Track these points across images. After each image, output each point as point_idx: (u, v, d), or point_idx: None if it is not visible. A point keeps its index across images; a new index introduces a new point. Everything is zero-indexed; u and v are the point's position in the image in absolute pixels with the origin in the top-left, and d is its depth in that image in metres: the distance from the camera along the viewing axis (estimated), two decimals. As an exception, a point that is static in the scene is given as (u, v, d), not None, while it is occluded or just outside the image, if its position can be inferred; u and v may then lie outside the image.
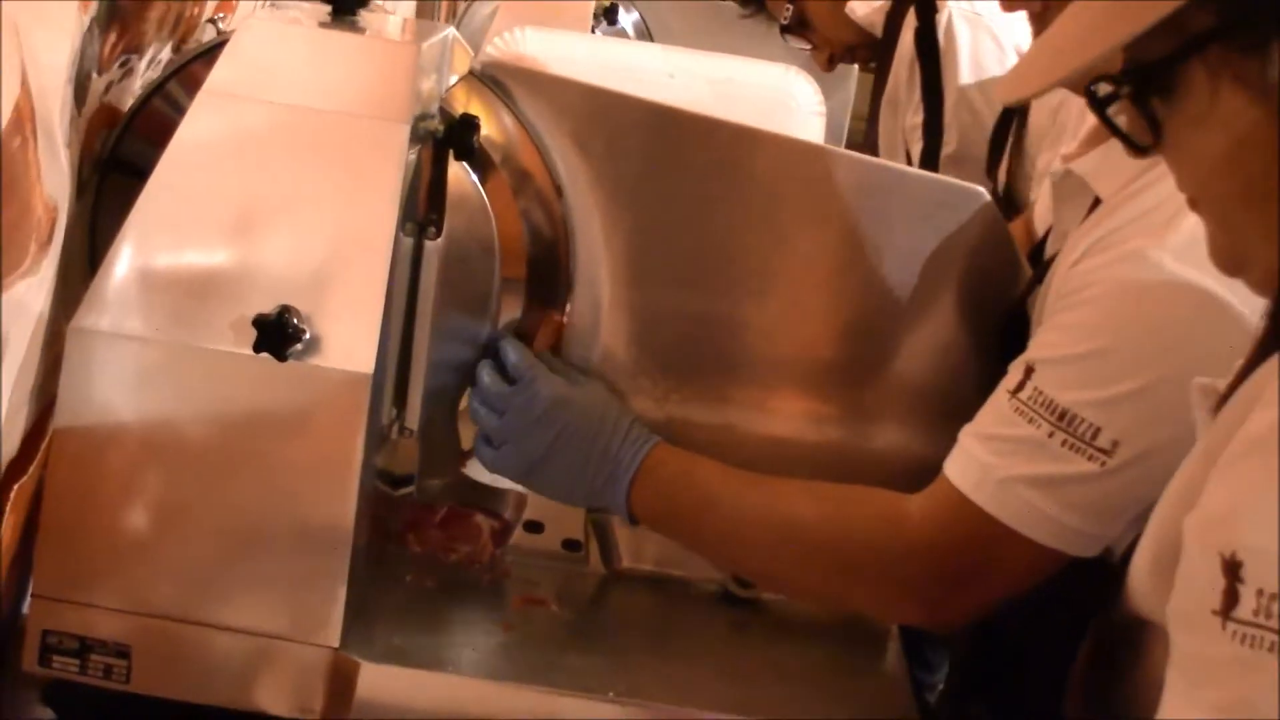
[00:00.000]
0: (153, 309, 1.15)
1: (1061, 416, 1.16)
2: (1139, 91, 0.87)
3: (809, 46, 2.72)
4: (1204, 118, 0.85)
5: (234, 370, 1.16)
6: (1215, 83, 0.84)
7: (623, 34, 3.19)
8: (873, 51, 2.66)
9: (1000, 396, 1.21)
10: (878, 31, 2.59)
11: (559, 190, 1.36)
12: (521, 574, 1.40)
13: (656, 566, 1.43)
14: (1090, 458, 1.15)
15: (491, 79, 1.35)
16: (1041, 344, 1.21)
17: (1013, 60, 2.27)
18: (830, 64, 2.70)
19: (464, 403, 1.38)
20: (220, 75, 1.19)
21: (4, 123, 0.98)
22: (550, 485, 1.35)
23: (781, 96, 2.73)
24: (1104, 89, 0.89)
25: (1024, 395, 1.18)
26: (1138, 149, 0.90)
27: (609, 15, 3.11)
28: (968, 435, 1.22)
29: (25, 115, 1.03)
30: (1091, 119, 1.18)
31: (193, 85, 1.26)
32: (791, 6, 2.63)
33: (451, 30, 1.32)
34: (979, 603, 1.24)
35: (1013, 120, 2.16)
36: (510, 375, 1.34)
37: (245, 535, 1.17)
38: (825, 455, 1.37)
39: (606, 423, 1.33)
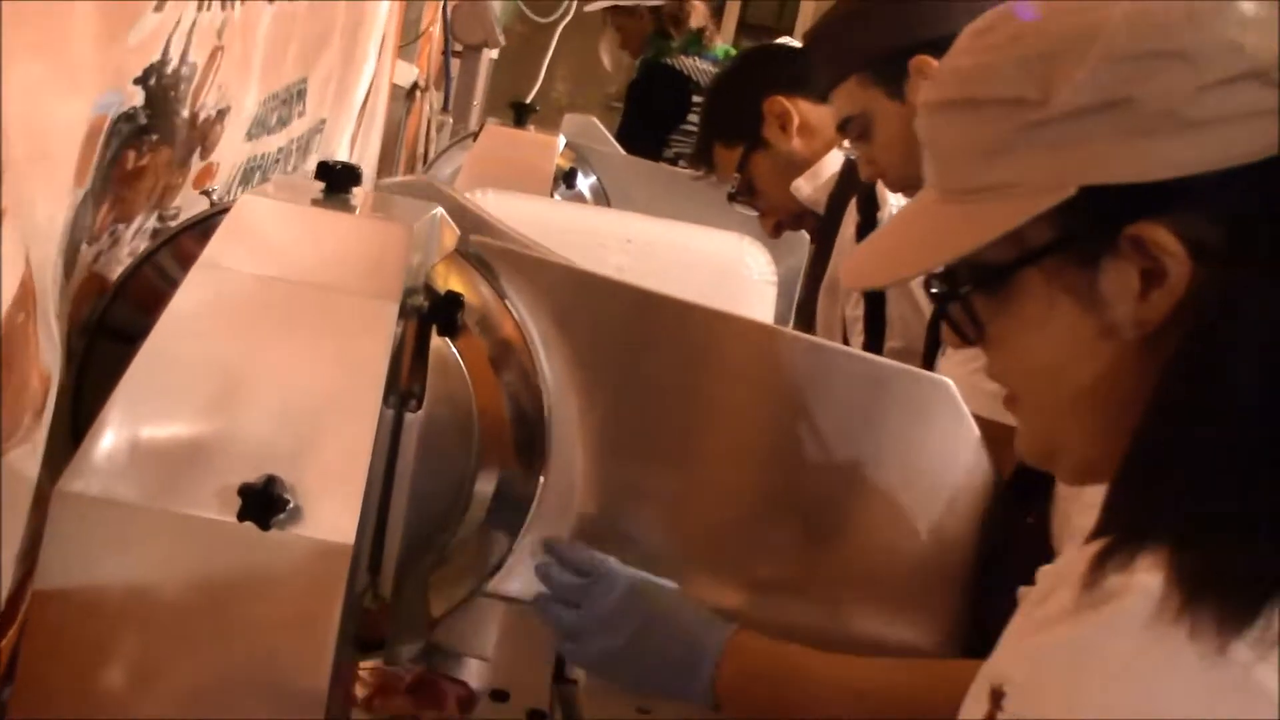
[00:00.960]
0: (140, 475, 1.17)
1: None
2: (980, 288, 0.94)
3: (755, 213, 2.76)
4: (1036, 323, 0.93)
5: (218, 537, 1.17)
6: (1050, 291, 0.91)
7: (581, 197, 3.26)
8: (818, 223, 2.71)
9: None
10: (820, 210, 2.64)
11: (537, 367, 1.40)
12: (487, 743, 1.42)
13: (621, 736, 1.45)
14: None
15: (477, 258, 1.39)
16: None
17: None
18: (777, 231, 2.74)
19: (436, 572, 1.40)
20: (216, 248, 1.22)
21: (9, 300, 1.01)
22: (633, 674, 1.36)
23: (735, 264, 2.81)
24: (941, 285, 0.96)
25: None
26: (964, 340, 0.97)
27: (568, 179, 3.18)
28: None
29: (28, 290, 1.06)
30: None
31: (181, 254, 1.29)
32: (739, 175, 2.68)
33: (439, 210, 1.37)
34: None
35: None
36: (581, 570, 1.36)
37: (220, 699, 1.18)
38: (796, 639, 1.40)
39: (686, 609, 1.36)
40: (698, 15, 4.72)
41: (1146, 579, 0.76)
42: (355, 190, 1.33)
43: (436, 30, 3.66)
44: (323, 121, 2.15)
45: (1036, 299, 0.92)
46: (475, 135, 3.16)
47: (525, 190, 2.93)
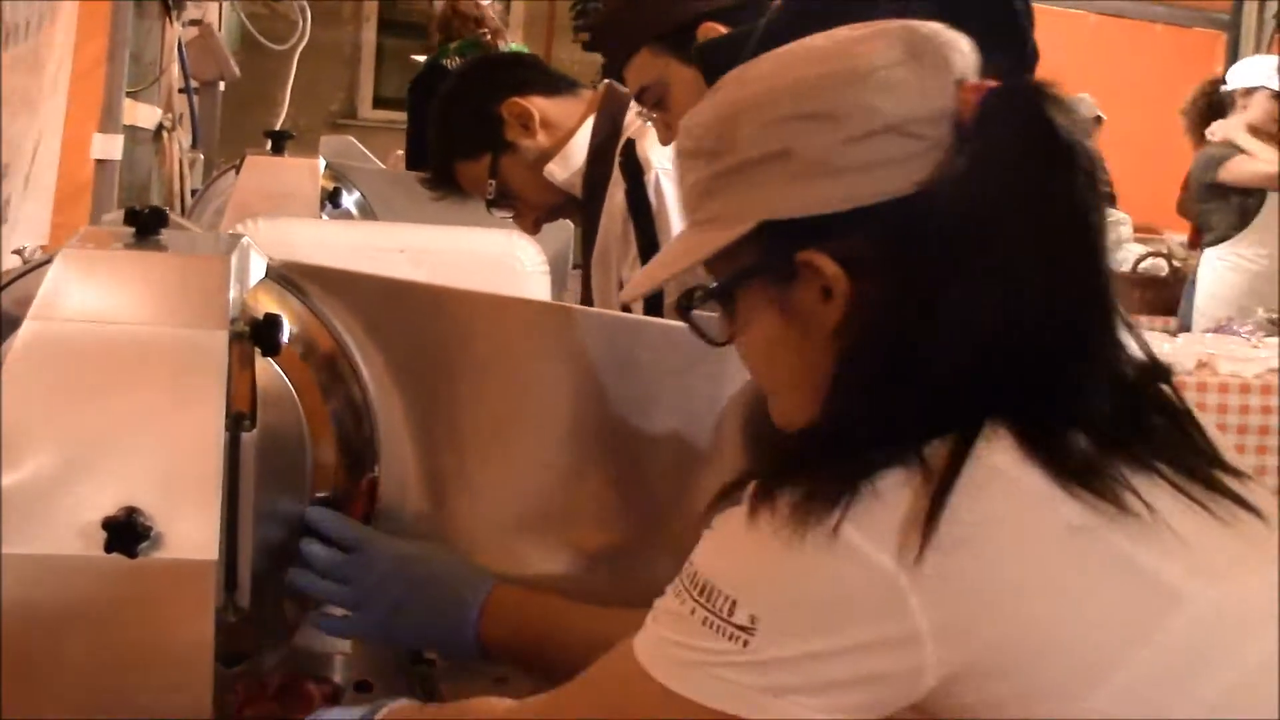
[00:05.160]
0: (2, 522, 1.23)
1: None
2: (718, 299, 1.19)
3: (512, 214, 2.80)
4: (756, 328, 1.17)
5: (87, 572, 1.24)
6: (759, 304, 1.15)
7: (348, 214, 3.32)
8: (576, 210, 2.80)
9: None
10: (577, 192, 2.73)
11: (357, 373, 1.49)
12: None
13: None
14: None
15: (285, 279, 1.47)
16: None
17: None
18: (536, 227, 2.77)
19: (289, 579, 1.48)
20: (45, 302, 1.28)
21: None
22: (405, 636, 1.47)
23: (508, 260, 2.91)
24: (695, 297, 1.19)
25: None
26: (711, 343, 1.21)
27: (333, 199, 3.22)
28: None
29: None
30: None
31: (8, 309, 1.35)
32: (494, 181, 2.71)
33: (247, 238, 1.44)
34: None
35: None
36: (340, 544, 1.45)
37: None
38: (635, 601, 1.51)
39: (449, 571, 1.46)
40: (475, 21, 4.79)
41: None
42: (164, 231, 1.40)
43: (175, 69, 3.67)
44: (27, 177, 2.14)
45: (750, 308, 1.16)
46: (236, 168, 3.19)
47: (294, 215, 2.99)
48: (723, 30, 2.12)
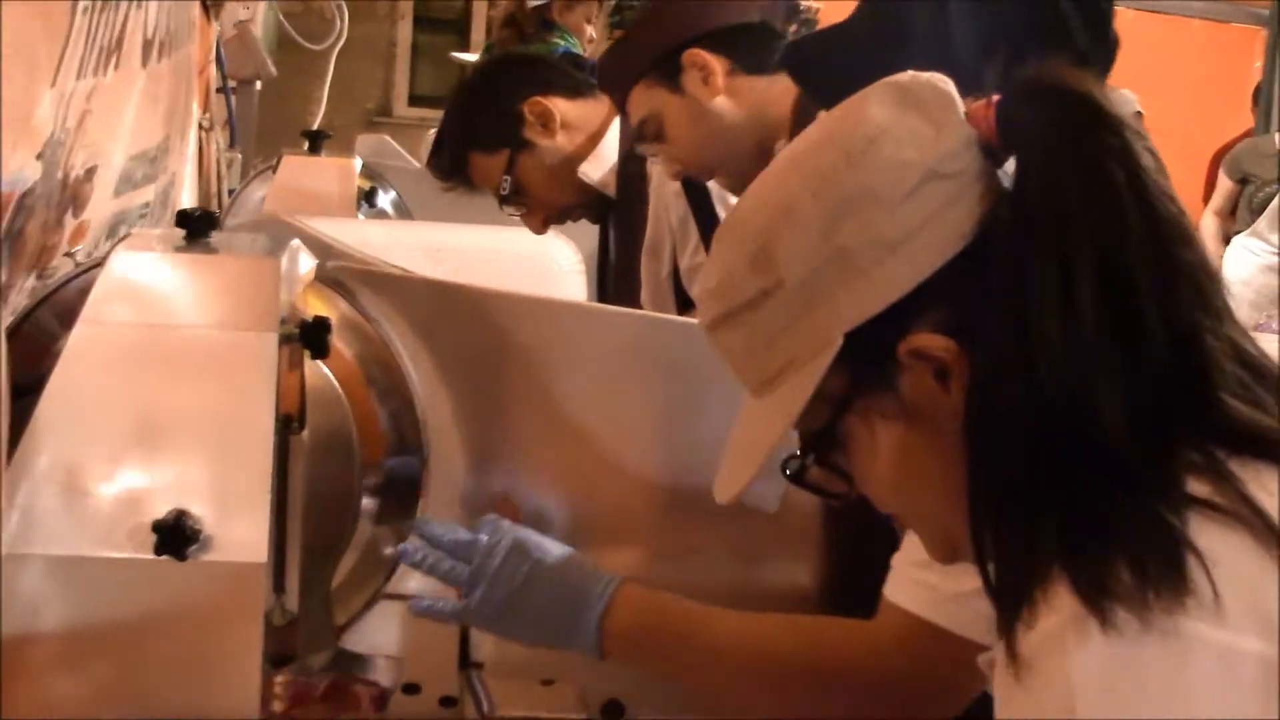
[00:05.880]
0: (55, 526, 1.23)
1: None
2: (819, 455, 1.07)
3: (520, 211, 2.76)
4: (876, 454, 1.04)
5: (138, 574, 1.24)
6: (873, 424, 1.03)
7: (384, 214, 3.32)
8: (592, 210, 2.77)
9: None
10: (611, 191, 2.72)
11: (405, 374, 1.49)
12: (403, 735, 1.51)
13: (529, 711, 1.54)
14: None
15: (335, 281, 1.47)
16: None
17: None
18: (544, 226, 2.75)
19: (337, 580, 1.48)
20: (97, 304, 1.29)
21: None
22: (522, 625, 1.42)
23: (544, 260, 2.92)
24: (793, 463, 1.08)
25: None
26: (835, 497, 1.09)
27: (369, 198, 3.24)
28: (905, 565, 1.35)
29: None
30: None
31: (62, 310, 1.35)
32: (509, 177, 2.68)
33: (296, 241, 1.44)
34: (953, 707, 1.34)
35: None
36: (463, 536, 1.43)
37: (157, 729, 1.25)
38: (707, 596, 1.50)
39: (573, 560, 1.42)
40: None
41: (1063, 607, 0.88)
42: (213, 234, 1.40)
43: (213, 69, 3.67)
44: (174, 174, 2.20)
45: (866, 436, 1.04)
46: (274, 168, 3.20)
47: (330, 214, 3.00)
48: (709, 56, 2.13)
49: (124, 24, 1.70)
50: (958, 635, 1.31)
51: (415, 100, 9.71)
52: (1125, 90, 5.95)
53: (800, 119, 2.07)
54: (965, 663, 1.27)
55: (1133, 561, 0.87)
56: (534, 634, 1.43)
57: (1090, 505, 0.91)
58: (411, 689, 1.53)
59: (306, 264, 1.47)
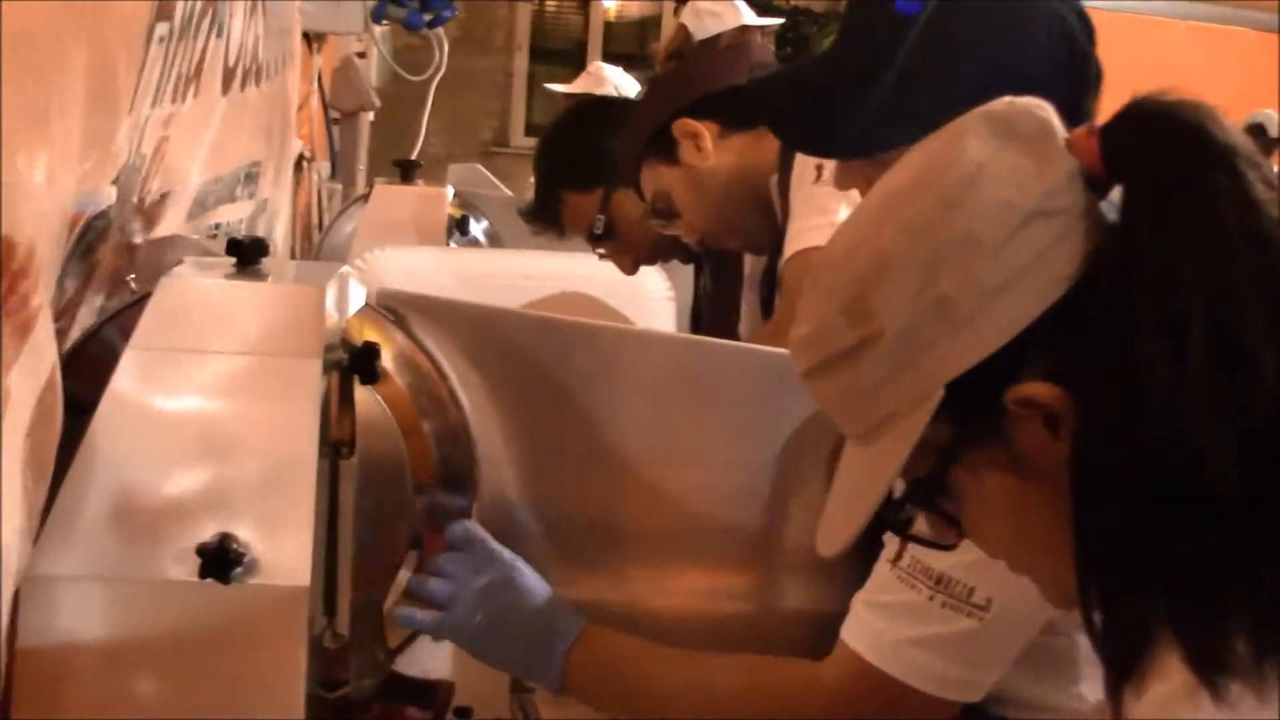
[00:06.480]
0: (102, 548, 1.25)
1: (939, 581, 1.30)
2: (926, 504, 1.04)
3: (606, 252, 2.71)
4: (987, 505, 1.02)
5: (182, 597, 1.25)
6: (980, 475, 1.00)
7: (476, 243, 3.35)
8: (683, 249, 2.68)
9: (883, 566, 1.35)
10: None
11: (456, 400, 1.50)
12: (454, 760, 1.51)
13: (580, 740, 1.55)
14: (969, 614, 1.29)
15: (387, 308, 1.49)
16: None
17: None
18: (634, 267, 2.71)
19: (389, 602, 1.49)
20: (144, 331, 1.31)
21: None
22: (494, 645, 1.46)
23: (634, 287, 2.91)
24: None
25: (903, 564, 1.31)
26: (946, 548, 1.07)
27: (460, 226, 3.26)
28: (859, 603, 1.36)
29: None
30: None
31: (125, 328, 1.38)
32: (603, 217, 2.64)
33: (347, 267, 1.46)
34: None
35: None
36: (455, 545, 1.47)
37: (200, 751, 1.26)
38: (734, 624, 1.50)
39: (549, 601, 1.46)
40: None
41: (1173, 676, 0.86)
42: (264, 261, 1.42)
43: (315, 101, 3.74)
44: (266, 201, 2.24)
45: (974, 484, 1.01)
46: (365, 197, 3.24)
47: (421, 243, 3.04)
48: (696, 124, 2.18)
49: (203, 54, 1.74)
50: (893, 678, 1.32)
51: (532, 130, 9.80)
52: (1270, 110, 5.79)
53: (785, 157, 2.11)
54: (899, 708, 1.32)
55: (1248, 633, 0.84)
56: (502, 663, 1.49)
57: (1200, 568, 0.88)
58: (463, 713, 1.53)
59: (357, 291, 1.49)
